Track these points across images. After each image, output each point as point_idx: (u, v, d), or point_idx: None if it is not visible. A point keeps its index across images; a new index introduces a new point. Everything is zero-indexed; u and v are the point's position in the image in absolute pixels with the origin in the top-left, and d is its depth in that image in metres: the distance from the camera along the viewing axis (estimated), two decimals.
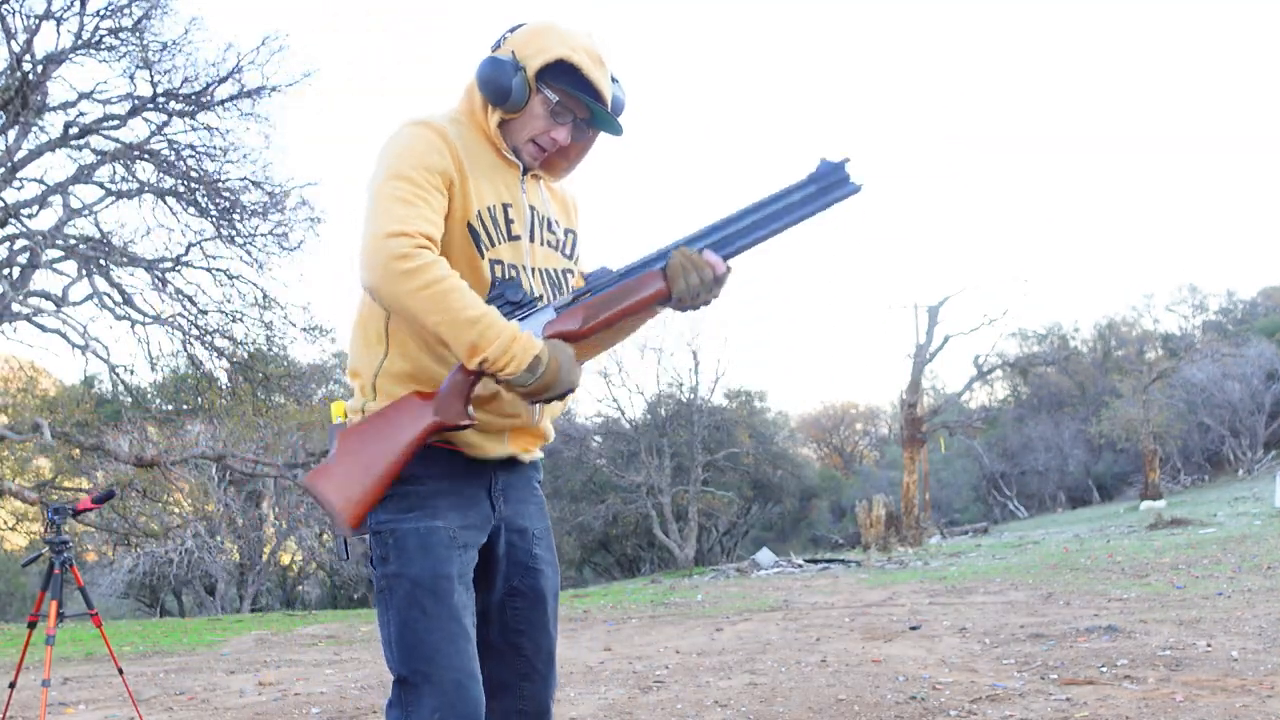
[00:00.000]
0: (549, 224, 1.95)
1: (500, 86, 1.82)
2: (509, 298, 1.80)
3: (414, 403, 1.76)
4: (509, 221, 1.87)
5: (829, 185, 1.82)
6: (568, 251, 1.99)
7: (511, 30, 1.89)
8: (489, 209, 1.85)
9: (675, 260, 1.79)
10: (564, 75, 1.82)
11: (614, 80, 1.91)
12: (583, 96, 1.83)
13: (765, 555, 17.64)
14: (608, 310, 1.80)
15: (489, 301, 1.78)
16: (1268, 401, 31.11)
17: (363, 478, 1.73)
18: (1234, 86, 69.89)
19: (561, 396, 1.76)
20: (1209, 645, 5.17)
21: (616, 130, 1.89)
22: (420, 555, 1.79)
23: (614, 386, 28.61)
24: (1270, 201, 65.31)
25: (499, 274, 1.85)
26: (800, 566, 16.19)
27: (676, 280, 1.79)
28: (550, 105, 1.84)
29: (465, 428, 1.77)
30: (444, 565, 1.79)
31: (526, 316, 1.79)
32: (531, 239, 1.91)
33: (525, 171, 1.92)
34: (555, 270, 1.94)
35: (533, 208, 1.92)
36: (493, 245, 1.85)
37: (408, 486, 1.82)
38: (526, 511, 1.97)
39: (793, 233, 1.85)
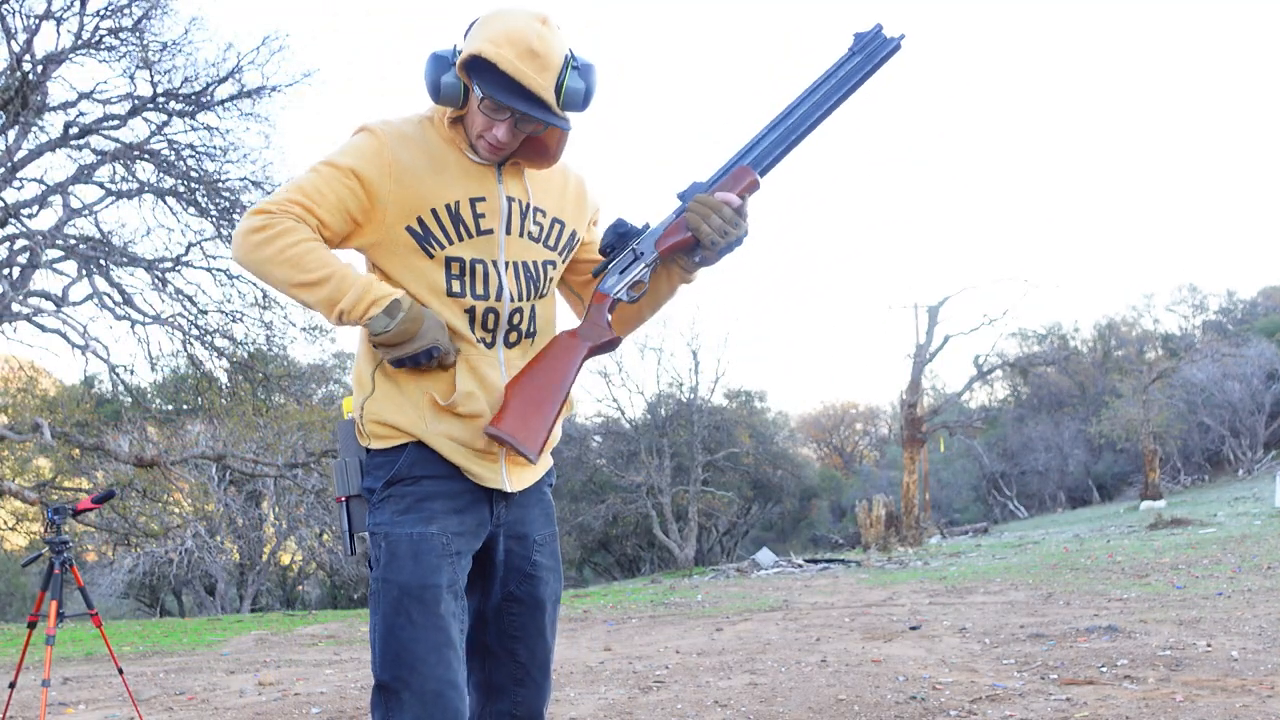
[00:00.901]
0: (533, 214, 1.91)
1: (431, 83, 1.79)
2: (617, 229, 1.92)
3: (564, 338, 1.88)
4: (478, 216, 1.84)
5: (874, 49, 1.85)
6: (552, 242, 1.93)
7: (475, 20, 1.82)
8: (447, 206, 1.82)
9: (692, 211, 1.85)
10: (486, 71, 1.74)
11: (575, 67, 1.77)
12: (497, 95, 1.73)
13: (765, 555, 17.64)
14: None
15: (604, 238, 1.93)
16: (1268, 401, 31.10)
17: (538, 409, 1.81)
18: (1234, 86, 69.92)
19: (429, 355, 1.75)
20: (1209, 645, 5.17)
21: (561, 125, 1.79)
22: (411, 562, 1.78)
23: (614, 386, 28.69)
24: (1270, 201, 65.36)
25: (456, 270, 1.82)
26: (800, 566, 16.19)
27: (700, 228, 1.84)
28: (480, 105, 1.77)
29: (614, 344, 1.90)
30: (434, 574, 1.78)
31: (640, 239, 1.91)
32: (508, 231, 1.87)
33: (503, 162, 1.87)
34: (534, 263, 1.90)
35: (511, 199, 1.88)
36: (449, 243, 1.82)
37: (406, 487, 1.82)
38: (529, 517, 1.95)
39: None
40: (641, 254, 1.91)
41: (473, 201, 1.84)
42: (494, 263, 1.85)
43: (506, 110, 1.77)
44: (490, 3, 1.84)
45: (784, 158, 1.89)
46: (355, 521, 1.89)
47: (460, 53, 1.77)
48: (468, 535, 1.85)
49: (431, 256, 1.82)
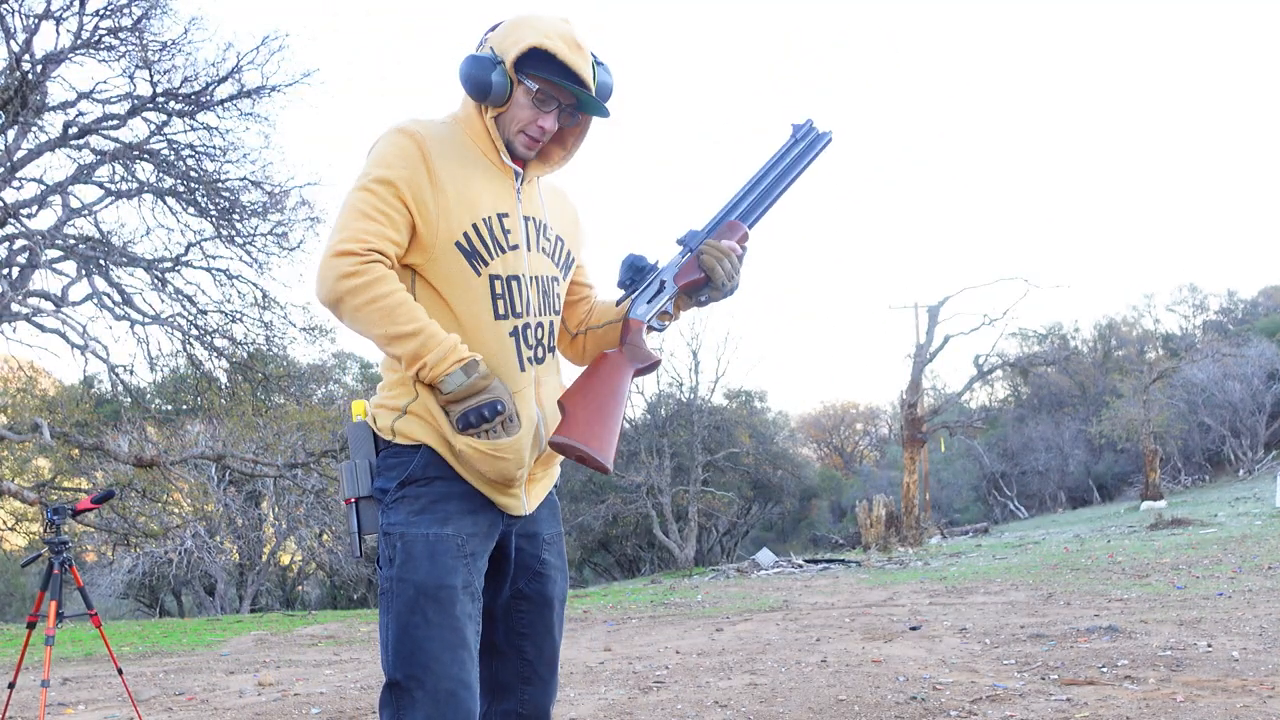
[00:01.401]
0: (544, 230, 1.96)
1: (480, 82, 1.83)
2: (635, 264, 2.00)
3: (611, 358, 1.93)
4: (506, 231, 1.87)
5: (810, 142, 2.07)
6: (558, 259, 1.98)
7: (491, 29, 1.90)
8: (485, 221, 1.85)
9: (707, 254, 1.95)
10: (542, 63, 1.83)
11: (599, 64, 1.91)
12: (562, 82, 1.83)
13: (765, 555, 17.63)
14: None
15: (621, 273, 2.01)
16: (1268, 401, 31.08)
17: (603, 421, 1.85)
18: (1234, 86, 69.91)
19: (493, 410, 1.77)
20: (1210, 645, 5.16)
21: (603, 113, 1.90)
22: (427, 562, 1.78)
23: None
24: (1270, 201, 65.36)
25: (499, 290, 1.85)
26: (800, 567, 16.18)
27: (715, 270, 1.94)
28: (532, 94, 1.85)
29: (655, 366, 1.96)
30: (450, 575, 1.79)
31: (660, 271, 2.00)
32: (529, 247, 1.91)
33: (519, 178, 1.92)
34: (547, 278, 1.95)
35: (527, 217, 1.92)
36: (491, 258, 1.85)
37: (420, 488, 1.82)
38: (538, 516, 1.97)
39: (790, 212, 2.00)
40: (665, 283, 2.00)
41: (500, 217, 1.88)
42: (523, 275, 1.89)
43: (554, 101, 1.86)
44: (500, 7, 1.94)
45: (762, 218, 2.04)
46: (365, 523, 1.89)
47: (497, 54, 1.84)
48: (481, 536, 1.85)
49: (479, 274, 1.84)
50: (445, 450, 1.82)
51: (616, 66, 1.95)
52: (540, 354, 1.92)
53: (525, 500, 1.91)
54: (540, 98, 1.85)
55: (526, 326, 1.88)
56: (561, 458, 1.98)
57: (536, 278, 1.91)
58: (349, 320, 1.79)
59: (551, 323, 1.95)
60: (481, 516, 1.85)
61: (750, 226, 2.02)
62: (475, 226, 1.83)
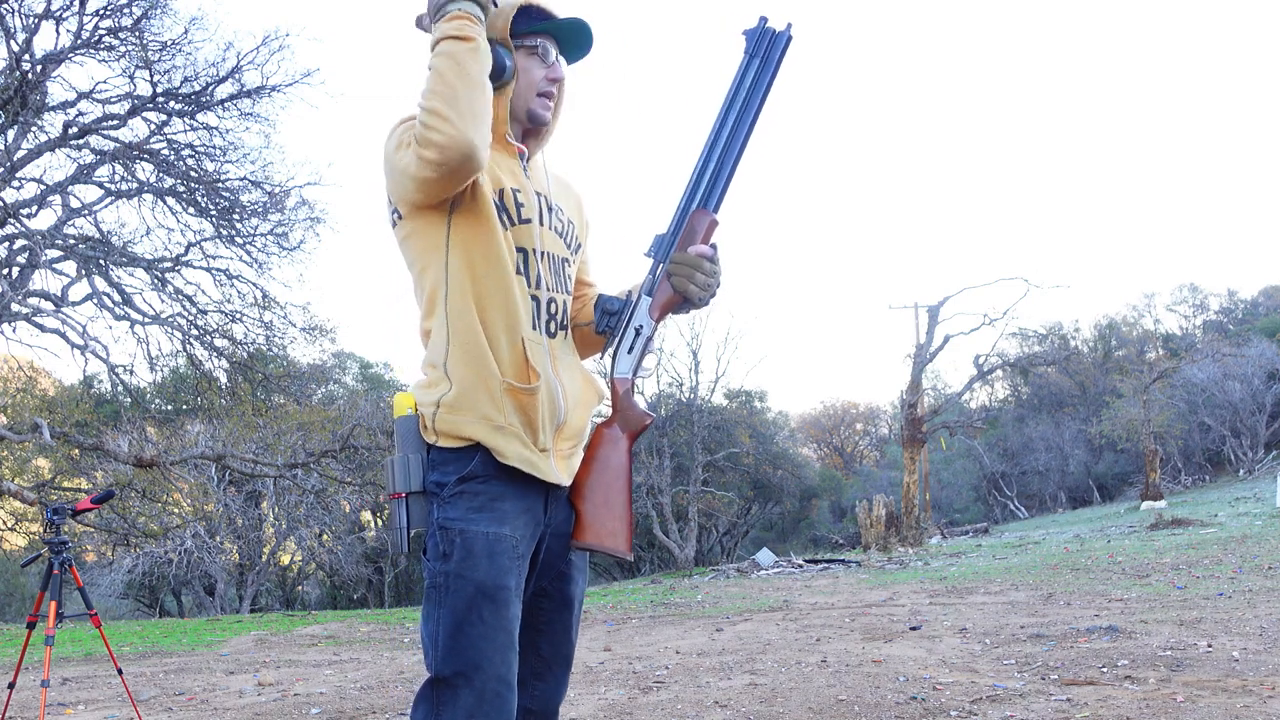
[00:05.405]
0: (557, 211, 1.97)
1: (498, 65, 1.85)
2: (606, 309, 1.96)
3: (606, 433, 1.94)
4: (519, 205, 1.89)
5: (768, 49, 1.90)
6: (568, 240, 1.99)
7: None
8: (501, 191, 1.87)
9: (677, 275, 1.90)
10: (531, 18, 1.89)
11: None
12: (559, 20, 1.90)
13: (765, 555, 17.62)
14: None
15: (597, 321, 1.98)
16: (1268, 401, 31.10)
17: (612, 514, 1.91)
18: (1235, 86, 69.91)
19: None
20: (1210, 646, 5.16)
21: (589, 39, 1.94)
22: (486, 561, 1.77)
23: None
24: (1271, 201, 65.37)
25: (516, 257, 1.87)
26: (800, 567, 16.18)
27: (689, 290, 1.90)
28: (537, 51, 1.91)
29: (651, 424, 1.97)
30: (506, 575, 1.79)
31: (632, 314, 1.95)
32: (541, 223, 1.92)
33: (524, 157, 1.94)
34: (557, 256, 1.95)
35: (538, 193, 1.94)
36: (509, 225, 1.87)
37: (479, 485, 1.81)
38: (567, 515, 1.97)
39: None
40: (641, 327, 1.95)
41: (514, 191, 1.90)
42: (534, 251, 1.89)
43: (553, 49, 1.92)
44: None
45: (729, 187, 1.93)
46: (413, 518, 1.84)
47: (494, 37, 1.86)
48: (529, 539, 1.86)
49: (506, 229, 1.85)
50: (488, 432, 1.80)
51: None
52: (552, 329, 1.91)
53: (556, 470, 1.88)
54: (543, 51, 1.91)
55: (534, 298, 1.88)
56: (585, 438, 1.99)
57: (548, 254, 1.92)
58: (468, 108, 1.71)
59: (565, 301, 1.95)
60: (529, 517, 1.85)
61: (717, 209, 1.92)
62: (501, 193, 1.86)
